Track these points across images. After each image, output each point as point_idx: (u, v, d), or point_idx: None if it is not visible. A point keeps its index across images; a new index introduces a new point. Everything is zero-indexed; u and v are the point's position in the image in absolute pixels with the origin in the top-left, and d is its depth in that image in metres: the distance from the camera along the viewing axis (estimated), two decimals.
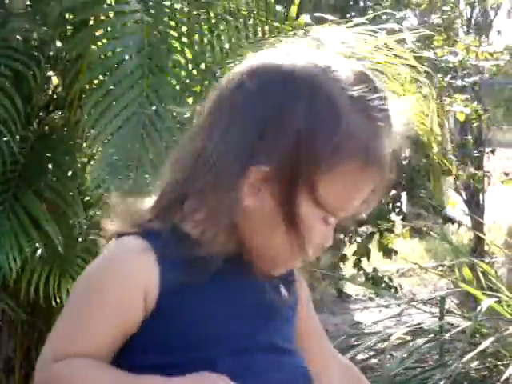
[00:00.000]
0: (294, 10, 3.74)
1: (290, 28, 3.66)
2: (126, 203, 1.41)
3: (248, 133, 1.32)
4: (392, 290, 6.94)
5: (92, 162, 3.65)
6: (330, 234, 1.37)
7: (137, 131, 3.06)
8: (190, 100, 3.37)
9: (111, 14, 3.62)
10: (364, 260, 7.00)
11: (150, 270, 1.31)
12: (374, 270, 7.04)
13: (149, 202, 1.40)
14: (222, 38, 3.54)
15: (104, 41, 3.57)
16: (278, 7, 3.77)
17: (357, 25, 3.91)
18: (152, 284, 1.31)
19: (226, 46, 3.54)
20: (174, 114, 3.12)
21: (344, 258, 6.94)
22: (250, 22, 3.63)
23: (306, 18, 3.83)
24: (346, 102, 1.31)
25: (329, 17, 3.97)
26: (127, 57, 3.21)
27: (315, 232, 1.34)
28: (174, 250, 1.32)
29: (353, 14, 4.48)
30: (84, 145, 3.62)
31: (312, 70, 1.33)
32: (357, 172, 1.31)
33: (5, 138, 3.32)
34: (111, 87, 3.22)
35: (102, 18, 3.69)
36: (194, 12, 3.58)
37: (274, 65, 1.35)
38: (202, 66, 3.52)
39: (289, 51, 1.38)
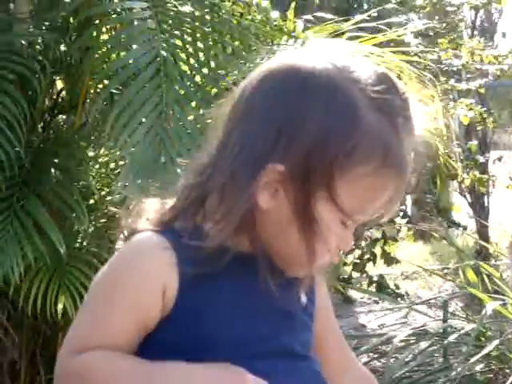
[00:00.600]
0: (291, 15, 3.73)
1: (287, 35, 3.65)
2: (147, 203, 1.42)
3: (264, 134, 1.32)
4: (397, 297, 6.95)
5: (97, 166, 3.66)
6: (348, 238, 1.36)
7: (157, 138, 3.07)
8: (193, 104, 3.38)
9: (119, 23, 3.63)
10: (368, 264, 7.00)
11: (169, 269, 1.32)
12: (381, 276, 7.04)
13: (169, 202, 1.41)
14: (227, 41, 3.54)
15: (111, 46, 3.58)
16: (275, 13, 3.75)
17: (358, 23, 3.90)
18: (170, 283, 1.31)
19: (229, 50, 3.54)
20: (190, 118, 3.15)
21: (354, 263, 6.93)
22: (252, 28, 3.63)
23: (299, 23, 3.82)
24: (364, 103, 1.30)
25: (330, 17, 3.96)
26: (140, 66, 3.19)
27: (332, 234, 1.32)
28: (193, 250, 1.32)
29: (356, 17, 4.47)
30: (88, 148, 3.63)
31: (330, 71, 1.32)
32: (375, 174, 1.30)
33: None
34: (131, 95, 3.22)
35: (109, 25, 3.70)
36: (197, 13, 3.57)
37: (292, 66, 1.34)
38: (205, 71, 3.52)
39: (308, 52, 1.38)
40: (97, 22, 3.66)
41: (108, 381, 1.28)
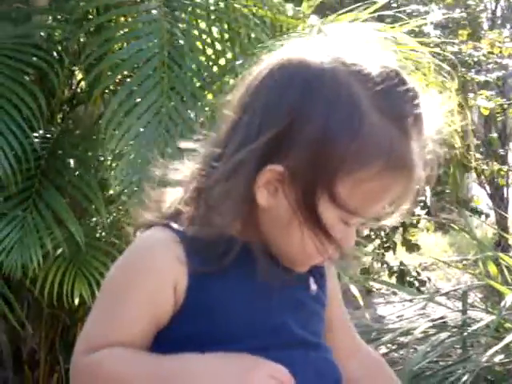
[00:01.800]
0: (305, 7, 3.72)
1: (304, 24, 3.65)
2: (155, 195, 1.42)
3: (266, 133, 1.30)
4: (417, 284, 6.92)
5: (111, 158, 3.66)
6: (350, 235, 1.35)
7: (159, 129, 3.07)
8: (210, 96, 3.38)
9: (134, 14, 3.63)
10: (388, 254, 6.99)
11: (179, 265, 1.32)
12: (401, 263, 7.02)
13: (174, 194, 1.41)
14: (241, 33, 3.54)
15: (125, 39, 3.58)
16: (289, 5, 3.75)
17: (377, 10, 3.88)
18: (180, 278, 1.32)
19: (245, 41, 3.54)
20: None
21: (374, 253, 6.92)
22: (267, 18, 3.63)
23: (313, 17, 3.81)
24: (369, 104, 1.28)
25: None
26: (148, 55, 3.21)
27: (334, 233, 1.32)
28: (199, 243, 1.32)
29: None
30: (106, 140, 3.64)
31: (337, 69, 1.30)
32: (379, 177, 1.28)
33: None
34: (134, 87, 3.22)
35: (123, 17, 3.71)
36: (212, 8, 3.58)
37: (299, 62, 1.32)
38: (222, 61, 3.52)
39: (316, 46, 1.35)
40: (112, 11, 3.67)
41: (122, 378, 1.29)
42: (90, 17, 3.80)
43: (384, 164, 1.27)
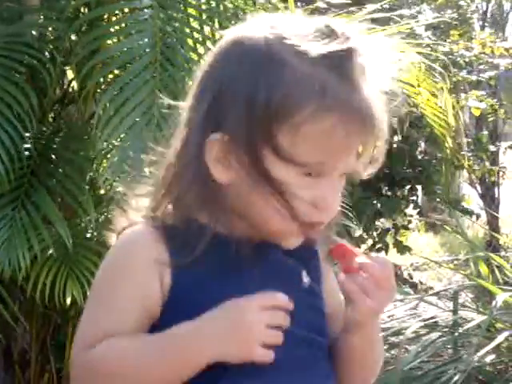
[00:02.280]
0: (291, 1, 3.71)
1: None
2: (137, 195, 1.43)
3: (201, 106, 1.34)
4: (411, 286, 6.94)
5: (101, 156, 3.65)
6: (327, 192, 1.32)
7: (149, 127, 3.07)
8: None
9: (126, 10, 3.63)
10: (379, 255, 6.99)
11: (162, 260, 1.33)
12: (394, 265, 7.02)
13: (150, 189, 1.43)
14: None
15: (117, 37, 3.57)
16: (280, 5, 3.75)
17: (371, 13, 3.89)
18: (164, 271, 1.33)
19: None
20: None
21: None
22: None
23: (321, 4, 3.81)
24: (294, 55, 1.28)
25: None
26: (140, 52, 3.20)
27: (297, 190, 1.30)
28: (178, 235, 1.34)
29: (368, 6, 4.46)
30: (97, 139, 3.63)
31: (264, 36, 1.31)
32: (314, 117, 1.27)
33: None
34: (126, 81, 3.22)
35: (116, 12, 3.70)
36: (204, 7, 3.58)
37: (233, 38, 1.36)
38: None
39: (254, 22, 1.37)
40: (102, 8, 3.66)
41: (122, 364, 1.29)
42: (81, 15, 3.78)
43: (316, 105, 1.26)
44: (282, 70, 1.28)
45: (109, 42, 3.60)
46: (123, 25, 3.56)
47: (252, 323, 1.27)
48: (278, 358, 1.30)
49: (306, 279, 1.41)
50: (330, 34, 1.29)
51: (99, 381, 1.30)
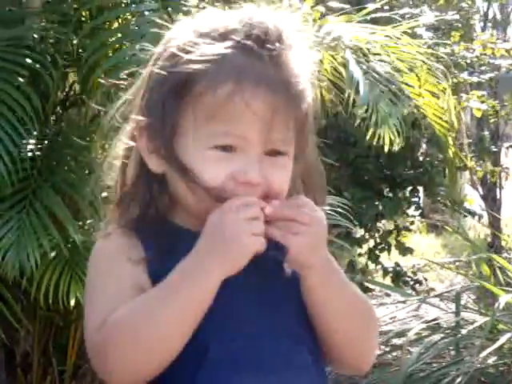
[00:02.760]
0: (308, 1, 3.73)
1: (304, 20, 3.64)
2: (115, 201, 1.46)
3: (140, 99, 1.41)
4: (412, 283, 6.92)
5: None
6: (241, 166, 1.32)
7: None
8: None
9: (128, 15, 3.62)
10: (383, 255, 6.99)
11: (136, 257, 1.36)
12: (397, 264, 7.01)
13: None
14: None
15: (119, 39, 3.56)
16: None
17: (371, 13, 3.89)
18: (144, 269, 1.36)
19: None
20: None
21: (369, 253, 6.91)
22: None
23: (320, 9, 3.81)
24: (202, 37, 1.33)
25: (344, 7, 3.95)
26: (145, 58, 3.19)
27: (210, 165, 1.31)
28: (149, 233, 1.38)
29: (368, 6, 4.47)
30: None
31: (184, 32, 1.37)
32: (214, 89, 1.29)
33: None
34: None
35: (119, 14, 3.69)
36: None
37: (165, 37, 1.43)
38: None
39: (184, 20, 1.43)
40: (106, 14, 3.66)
41: (138, 318, 1.29)
42: (83, 19, 3.78)
43: (212, 76, 1.29)
44: (189, 51, 1.32)
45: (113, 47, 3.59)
46: (127, 29, 3.54)
47: (230, 221, 1.28)
48: (259, 354, 1.33)
49: (285, 269, 1.40)
50: (247, 21, 1.33)
51: (121, 344, 1.29)
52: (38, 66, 3.40)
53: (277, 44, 1.31)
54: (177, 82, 1.32)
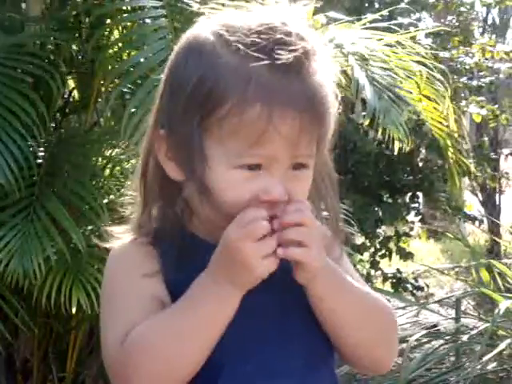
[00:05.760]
0: (310, 10, 3.73)
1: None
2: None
3: (158, 105, 1.40)
4: (411, 289, 6.91)
5: (109, 165, 3.66)
6: (264, 185, 1.29)
7: None
8: None
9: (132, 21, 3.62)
10: (383, 262, 6.99)
11: (153, 270, 1.35)
12: (398, 271, 7.01)
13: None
14: None
15: (122, 45, 3.57)
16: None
17: (371, 22, 3.90)
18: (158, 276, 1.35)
19: None
20: None
21: (371, 261, 6.90)
22: None
23: (321, 18, 3.82)
24: (226, 49, 1.29)
25: (343, 17, 3.96)
26: (155, 63, 3.17)
27: (233, 185, 1.29)
28: (168, 243, 1.37)
29: (368, 15, 4.48)
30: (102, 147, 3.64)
31: (205, 32, 1.33)
32: (240, 111, 1.26)
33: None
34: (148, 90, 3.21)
35: (120, 23, 3.70)
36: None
37: (185, 38, 1.38)
38: None
39: (206, 20, 1.38)
40: (108, 21, 3.66)
41: (159, 334, 1.29)
42: (83, 26, 3.79)
43: (239, 97, 1.26)
44: (214, 65, 1.29)
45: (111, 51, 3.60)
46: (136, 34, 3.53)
47: (242, 245, 1.26)
48: (273, 365, 1.32)
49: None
50: (268, 27, 1.29)
51: (142, 358, 1.28)
52: (40, 72, 3.39)
53: (301, 50, 1.28)
54: (200, 98, 1.29)
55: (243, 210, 1.27)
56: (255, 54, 1.26)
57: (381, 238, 6.87)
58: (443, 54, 6.25)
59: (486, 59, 6.85)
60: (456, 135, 4.04)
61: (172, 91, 1.35)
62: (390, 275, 6.94)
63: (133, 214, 1.43)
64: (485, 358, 4.10)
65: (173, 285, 1.34)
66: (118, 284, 1.37)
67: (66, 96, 3.97)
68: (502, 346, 4.12)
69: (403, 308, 5.39)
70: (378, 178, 6.59)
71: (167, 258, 1.36)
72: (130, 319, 1.31)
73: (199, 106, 1.29)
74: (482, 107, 6.51)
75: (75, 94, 4.02)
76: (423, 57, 3.74)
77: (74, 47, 3.81)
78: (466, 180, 8.02)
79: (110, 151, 3.65)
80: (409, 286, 6.94)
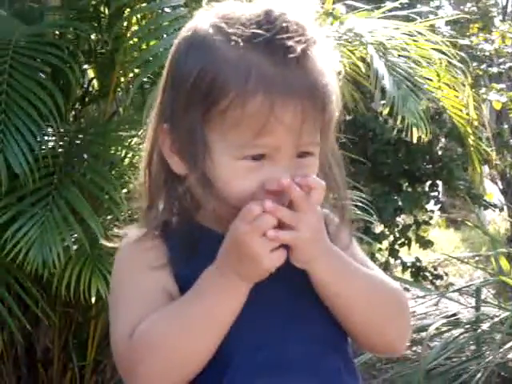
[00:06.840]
0: (329, 0, 3.72)
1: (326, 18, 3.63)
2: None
3: (160, 99, 1.39)
4: (431, 278, 6.90)
5: (129, 155, 3.66)
6: (271, 175, 1.29)
7: None
8: None
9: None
10: (400, 250, 6.97)
11: (160, 263, 1.35)
12: (417, 259, 6.99)
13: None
14: None
15: (142, 35, 3.56)
16: None
17: (390, 10, 3.88)
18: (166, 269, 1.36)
19: None
20: None
21: (390, 249, 6.89)
22: None
23: (340, 7, 3.80)
24: (226, 41, 1.29)
25: (362, 6, 3.95)
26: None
27: (239, 175, 1.29)
28: (176, 235, 1.37)
29: (387, 3, 4.46)
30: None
31: (205, 24, 1.33)
32: (243, 102, 1.26)
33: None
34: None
35: (140, 13, 3.69)
36: None
37: (185, 30, 1.38)
38: None
39: (204, 13, 1.37)
40: (127, 10, 3.66)
41: (168, 327, 1.29)
42: (102, 15, 3.79)
43: (239, 89, 1.26)
44: (214, 57, 1.29)
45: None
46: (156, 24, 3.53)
47: (249, 239, 1.25)
48: (283, 356, 1.32)
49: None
50: (267, 18, 1.29)
51: (149, 354, 1.29)
52: (59, 62, 3.39)
53: (301, 39, 1.28)
54: (202, 92, 1.29)
55: (249, 203, 1.26)
56: (255, 46, 1.27)
57: (400, 226, 6.85)
58: (463, 41, 6.22)
59: (506, 45, 6.81)
60: (476, 123, 4.02)
61: (173, 85, 1.35)
62: (409, 264, 6.92)
63: (141, 208, 1.43)
64: (505, 347, 4.08)
65: (182, 278, 1.34)
66: (126, 277, 1.38)
67: (85, 86, 3.98)
68: None
69: (423, 297, 5.38)
70: (398, 166, 6.57)
71: (176, 251, 1.36)
72: (138, 313, 1.31)
73: (201, 100, 1.29)
74: (502, 95, 6.47)
75: (95, 83, 4.02)
76: (444, 44, 3.72)
77: (93, 37, 3.81)
78: (485, 169, 7.98)
79: (129, 141, 3.65)
80: (428, 274, 6.92)
